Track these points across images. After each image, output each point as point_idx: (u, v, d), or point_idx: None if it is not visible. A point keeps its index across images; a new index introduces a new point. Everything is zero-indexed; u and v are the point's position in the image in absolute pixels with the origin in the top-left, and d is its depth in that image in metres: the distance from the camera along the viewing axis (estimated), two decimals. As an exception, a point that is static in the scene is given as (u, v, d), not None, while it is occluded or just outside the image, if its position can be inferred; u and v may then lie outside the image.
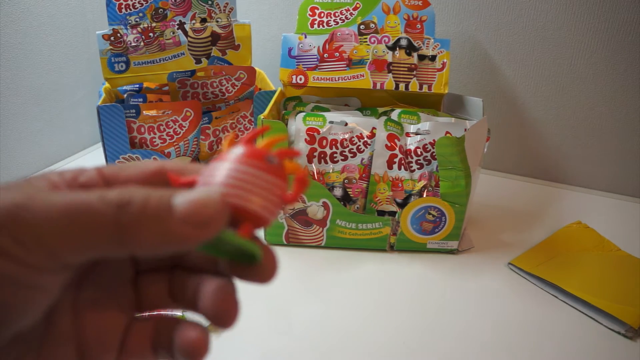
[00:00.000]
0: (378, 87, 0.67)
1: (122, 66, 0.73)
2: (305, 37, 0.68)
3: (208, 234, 0.18)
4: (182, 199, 0.18)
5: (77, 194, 0.17)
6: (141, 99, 0.73)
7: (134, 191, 0.18)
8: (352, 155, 0.63)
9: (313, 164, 0.63)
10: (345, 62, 0.68)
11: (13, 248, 0.16)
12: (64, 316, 0.20)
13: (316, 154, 0.63)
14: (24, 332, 0.18)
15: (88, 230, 0.17)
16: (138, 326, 0.22)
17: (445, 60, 0.67)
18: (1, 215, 0.16)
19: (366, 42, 0.68)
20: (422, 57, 0.68)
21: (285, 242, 0.65)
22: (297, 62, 0.68)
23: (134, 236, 0.17)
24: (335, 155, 0.63)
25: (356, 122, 0.64)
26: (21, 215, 0.16)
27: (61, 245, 0.17)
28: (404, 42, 0.68)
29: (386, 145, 0.63)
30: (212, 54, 0.76)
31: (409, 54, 0.67)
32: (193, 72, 0.71)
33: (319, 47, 0.68)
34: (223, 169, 0.20)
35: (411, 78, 0.67)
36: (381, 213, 0.64)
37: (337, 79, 0.68)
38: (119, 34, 0.71)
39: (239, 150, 0.21)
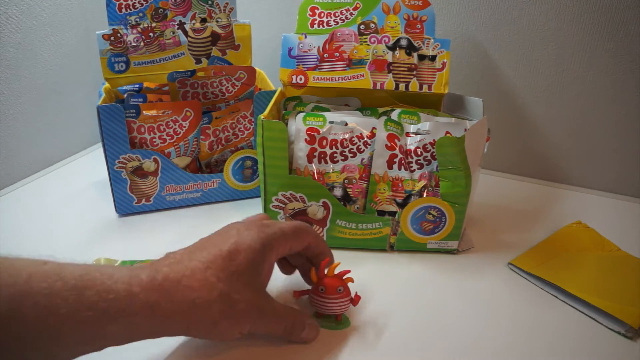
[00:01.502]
0: (378, 87, 0.67)
1: (122, 66, 0.73)
2: (306, 37, 0.68)
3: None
4: (307, 324, 0.49)
5: (283, 310, 0.48)
6: (141, 99, 0.73)
7: (297, 321, 0.48)
8: (352, 155, 0.63)
9: (313, 164, 0.63)
10: (345, 62, 0.68)
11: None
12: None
13: (316, 154, 0.63)
14: None
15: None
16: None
17: (445, 60, 0.67)
18: (249, 316, 0.44)
19: (366, 42, 0.68)
20: (422, 57, 0.68)
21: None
22: (297, 62, 0.68)
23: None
24: (335, 155, 0.63)
25: (356, 122, 0.64)
26: (253, 321, 0.45)
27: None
28: (404, 42, 0.68)
29: (386, 146, 0.63)
30: (212, 54, 0.76)
31: (409, 54, 0.67)
32: (193, 72, 0.71)
33: (319, 47, 0.68)
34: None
35: (411, 78, 0.67)
36: (381, 213, 0.64)
37: (337, 79, 0.68)
38: (119, 34, 0.71)
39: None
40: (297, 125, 0.64)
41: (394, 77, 0.67)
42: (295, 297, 0.53)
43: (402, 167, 0.63)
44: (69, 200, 0.77)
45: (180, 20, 0.74)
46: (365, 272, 0.60)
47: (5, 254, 0.34)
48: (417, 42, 0.68)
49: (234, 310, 0.41)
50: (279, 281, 0.58)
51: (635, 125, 0.79)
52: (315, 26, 0.69)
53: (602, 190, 0.84)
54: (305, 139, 0.63)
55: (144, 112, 0.68)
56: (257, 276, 0.43)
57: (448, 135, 0.63)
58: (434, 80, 0.68)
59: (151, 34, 0.73)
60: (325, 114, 0.65)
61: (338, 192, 0.63)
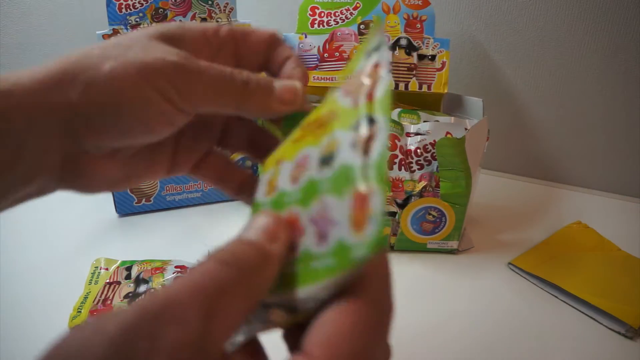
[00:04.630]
0: (378, 87, 0.67)
1: (122, 66, 0.72)
2: (306, 37, 0.68)
3: (289, 109, 0.27)
4: (278, 85, 0.27)
5: (219, 69, 0.25)
6: (141, 99, 0.73)
7: (251, 74, 0.26)
8: (352, 155, 0.63)
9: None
10: (345, 62, 0.68)
11: (173, 95, 0.24)
12: (169, 145, 0.30)
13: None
14: (152, 146, 0.27)
15: (223, 94, 0.25)
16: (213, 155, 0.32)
17: (444, 60, 0.67)
18: (169, 69, 0.24)
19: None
20: (421, 57, 0.68)
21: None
22: (297, 62, 0.68)
23: (247, 104, 0.26)
24: (335, 155, 0.63)
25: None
26: (182, 73, 0.24)
27: (202, 101, 0.25)
28: (403, 42, 0.68)
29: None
30: (212, 54, 0.76)
31: (408, 54, 0.67)
32: (193, 72, 0.71)
33: (319, 46, 0.68)
34: None
35: (411, 78, 0.67)
36: (381, 213, 0.64)
37: (337, 79, 0.68)
38: (119, 34, 0.71)
39: None
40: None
41: (393, 77, 0.67)
42: None
43: (403, 167, 0.63)
44: (69, 200, 0.77)
45: (180, 20, 0.74)
46: (365, 272, 0.60)
47: None
48: (417, 42, 0.68)
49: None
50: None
51: (635, 125, 0.79)
52: (316, 26, 0.69)
53: (602, 190, 0.84)
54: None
55: (144, 112, 0.68)
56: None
57: (448, 135, 0.63)
58: (434, 80, 0.68)
59: (151, 34, 0.73)
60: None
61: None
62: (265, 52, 0.29)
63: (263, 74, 0.30)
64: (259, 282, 0.18)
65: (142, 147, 0.27)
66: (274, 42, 0.30)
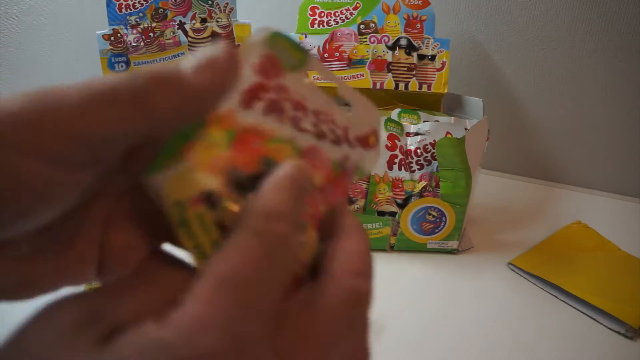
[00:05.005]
0: (378, 86, 0.67)
1: (122, 66, 0.72)
2: (306, 37, 0.68)
3: (225, 80, 0.18)
4: (187, 61, 0.18)
5: (93, 81, 0.16)
6: (141, 99, 0.73)
7: (140, 71, 0.17)
8: (352, 155, 0.63)
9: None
10: (345, 62, 0.68)
11: (33, 138, 0.14)
12: (96, 225, 0.18)
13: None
14: (53, 226, 0.17)
15: (108, 102, 0.16)
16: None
17: (444, 60, 0.67)
18: (24, 108, 0.15)
19: (366, 41, 0.68)
20: (421, 57, 0.68)
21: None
22: (297, 62, 0.68)
23: (152, 100, 0.16)
24: (335, 155, 0.63)
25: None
26: (49, 109, 0.15)
27: (83, 126, 0.15)
28: (403, 42, 0.68)
29: (386, 146, 0.63)
30: (212, 54, 0.76)
31: (408, 54, 0.67)
32: (193, 72, 0.71)
33: (319, 46, 0.68)
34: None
35: (411, 78, 0.67)
36: (381, 214, 0.64)
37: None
38: (119, 34, 0.71)
39: None
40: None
41: (393, 77, 0.67)
42: None
43: (403, 167, 0.63)
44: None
45: (180, 20, 0.74)
46: (365, 272, 0.60)
47: None
48: (417, 42, 0.68)
49: None
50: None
51: (635, 125, 0.79)
52: (316, 26, 0.69)
53: (602, 190, 0.84)
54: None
55: (144, 112, 0.68)
56: None
57: (448, 135, 0.63)
58: (434, 80, 0.68)
59: (151, 34, 0.73)
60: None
61: (338, 192, 0.63)
62: None
63: None
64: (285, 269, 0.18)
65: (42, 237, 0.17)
66: None
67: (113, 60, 0.72)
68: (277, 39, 0.20)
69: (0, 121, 0.14)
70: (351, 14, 0.69)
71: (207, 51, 0.18)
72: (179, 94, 0.17)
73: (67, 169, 0.15)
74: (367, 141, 0.23)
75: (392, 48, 0.67)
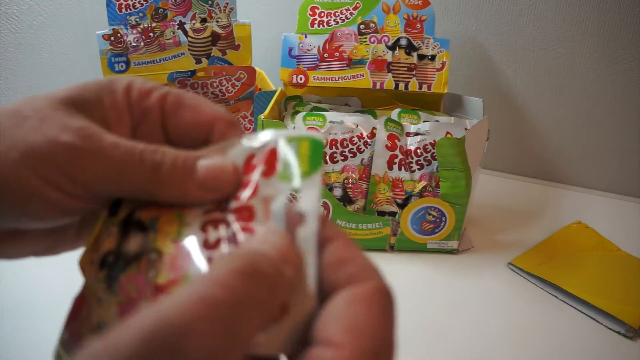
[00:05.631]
0: (378, 86, 0.67)
1: (122, 66, 0.72)
2: (306, 37, 0.68)
3: (215, 196, 0.21)
4: (202, 165, 0.21)
5: (124, 147, 0.20)
6: (141, 99, 0.73)
7: (167, 154, 0.21)
8: (352, 155, 0.63)
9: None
10: (345, 62, 0.68)
11: (63, 182, 0.19)
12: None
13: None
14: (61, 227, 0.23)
15: (128, 179, 0.20)
16: None
17: (444, 60, 0.67)
18: (58, 153, 0.19)
19: (366, 41, 0.68)
20: (421, 57, 0.68)
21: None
22: (297, 61, 0.68)
23: (159, 191, 0.20)
24: (335, 155, 0.63)
25: (356, 122, 0.64)
26: (75, 157, 0.19)
27: (102, 185, 0.20)
28: (403, 42, 0.68)
29: (386, 146, 0.63)
30: (212, 54, 0.76)
31: (408, 54, 0.67)
32: (193, 72, 0.71)
33: (319, 46, 0.68)
34: None
35: (411, 78, 0.67)
36: (381, 214, 0.64)
37: (337, 79, 0.68)
38: (119, 34, 0.71)
39: None
40: (297, 125, 0.64)
41: (393, 77, 0.67)
42: None
43: (403, 167, 0.63)
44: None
45: (180, 20, 0.74)
46: (365, 272, 0.60)
47: None
48: (417, 42, 0.68)
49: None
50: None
51: (635, 125, 0.79)
52: (316, 26, 0.69)
53: (602, 190, 0.84)
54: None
55: (144, 112, 0.68)
56: None
57: (448, 135, 0.63)
58: (434, 80, 0.68)
59: (151, 34, 0.73)
60: (325, 113, 0.65)
61: (338, 192, 0.63)
62: (202, 137, 0.23)
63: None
64: (273, 300, 0.17)
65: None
66: (220, 127, 0.23)
67: (113, 60, 0.72)
68: (314, 146, 0.20)
69: (56, 153, 0.19)
70: (351, 14, 0.69)
71: (219, 165, 0.21)
72: (180, 191, 0.21)
73: (82, 200, 0.21)
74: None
75: (392, 48, 0.67)
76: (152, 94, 0.22)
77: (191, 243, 0.19)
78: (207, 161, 0.21)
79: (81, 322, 0.20)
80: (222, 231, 0.19)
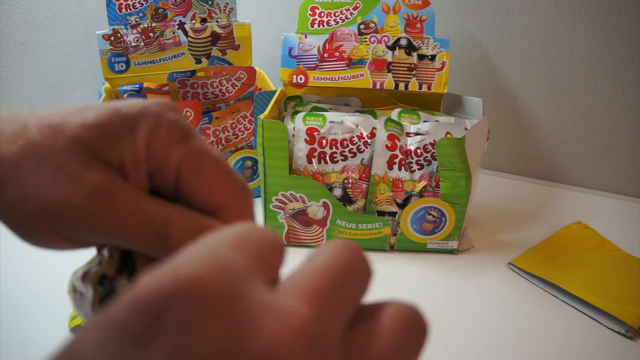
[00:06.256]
0: (378, 86, 0.67)
1: (122, 66, 0.72)
2: (306, 37, 0.68)
3: None
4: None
5: (136, 210, 0.21)
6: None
7: (175, 225, 0.21)
8: (352, 155, 0.63)
9: (313, 164, 0.63)
10: (345, 62, 0.68)
11: (73, 235, 0.21)
12: None
13: (316, 154, 0.63)
14: None
15: (132, 243, 0.21)
16: None
17: (444, 60, 0.67)
18: (69, 212, 0.20)
19: (366, 41, 0.68)
20: (421, 57, 0.68)
21: (285, 242, 0.65)
22: (297, 61, 0.68)
23: (165, 256, 0.20)
24: (335, 155, 0.63)
25: (356, 122, 0.64)
26: (85, 216, 0.20)
27: (110, 239, 0.21)
28: (403, 42, 0.68)
29: (386, 146, 0.63)
30: (212, 54, 0.76)
31: (408, 54, 0.67)
32: (193, 72, 0.71)
33: (319, 46, 0.68)
34: None
35: (411, 78, 0.67)
36: (381, 214, 0.64)
37: (337, 79, 0.68)
38: (119, 34, 0.71)
39: None
40: (297, 125, 0.64)
41: (393, 77, 0.67)
42: None
43: (403, 167, 0.63)
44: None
45: (180, 20, 0.74)
46: (365, 272, 0.60)
47: None
48: (417, 42, 0.68)
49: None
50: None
51: (635, 125, 0.79)
52: (316, 26, 0.69)
53: (602, 190, 0.84)
54: (305, 139, 0.63)
55: (144, 112, 0.68)
56: None
57: (448, 135, 0.63)
58: (434, 80, 0.68)
59: (151, 34, 0.73)
60: (325, 113, 0.65)
61: (338, 192, 0.63)
62: (210, 211, 0.22)
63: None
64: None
65: None
66: (229, 213, 0.22)
67: (113, 60, 0.72)
68: None
69: (69, 213, 0.20)
70: (351, 14, 0.69)
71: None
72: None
73: (93, 246, 0.23)
74: None
75: (392, 48, 0.67)
76: (174, 151, 0.21)
77: None
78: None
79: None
80: None
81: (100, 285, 0.22)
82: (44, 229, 0.21)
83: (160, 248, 0.21)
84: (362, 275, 0.18)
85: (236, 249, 0.16)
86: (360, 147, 0.63)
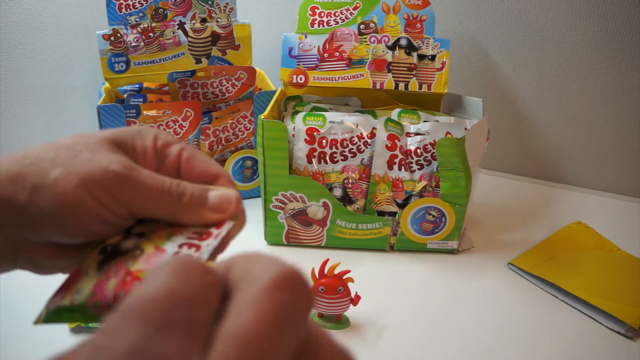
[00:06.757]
0: (378, 86, 0.67)
1: (122, 66, 0.72)
2: (306, 37, 0.68)
3: (224, 217, 0.27)
4: (213, 195, 0.28)
5: (159, 180, 0.26)
6: (141, 99, 0.73)
7: (187, 187, 0.27)
8: (352, 155, 0.63)
9: (313, 164, 0.63)
10: (345, 62, 0.68)
11: (110, 203, 0.25)
12: None
13: (316, 154, 0.63)
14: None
15: (159, 205, 0.26)
16: None
17: (444, 60, 0.67)
18: (109, 178, 0.25)
19: (366, 41, 0.68)
20: (421, 57, 0.68)
21: (285, 242, 0.65)
22: (297, 61, 0.68)
23: (181, 214, 0.27)
24: (335, 155, 0.63)
25: (356, 122, 0.64)
26: (121, 183, 0.25)
27: (139, 208, 0.26)
28: (403, 42, 0.68)
29: (386, 146, 0.63)
30: (212, 54, 0.76)
31: (408, 54, 0.67)
32: (193, 72, 0.71)
33: (319, 46, 0.68)
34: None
35: (411, 78, 0.67)
36: (381, 214, 0.64)
37: (337, 79, 0.68)
38: (119, 34, 0.71)
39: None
40: (297, 125, 0.64)
41: (393, 77, 0.67)
42: None
43: (403, 167, 0.63)
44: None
45: (180, 20, 0.74)
46: (365, 272, 0.60)
47: None
48: (417, 42, 0.68)
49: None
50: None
51: (635, 125, 0.79)
52: (316, 26, 0.69)
53: (602, 190, 0.84)
54: (305, 139, 0.63)
55: (144, 112, 0.68)
56: None
57: (448, 135, 0.63)
58: (434, 80, 0.68)
59: (151, 34, 0.73)
60: (325, 113, 0.65)
61: (338, 192, 0.63)
62: (204, 182, 0.29)
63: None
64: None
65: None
66: (218, 179, 0.29)
67: (113, 60, 0.72)
68: None
69: (107, 179, 0.25)
70: (351, 14, 0.69)
71: (226, 194, 0.28)
72: (198, 215, 0.27)
73: (121, 219, 0.26)
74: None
75: (392, 48, 0.67)
76: (173, 145, 0.29)
77: (166, 251, 0.25)
78: (216, 192, 0.28)
79: (68, 289, 0.26)
80: (192, 252, 0.25)
81: (100, 254, 0.26)
82: (86, 199, 0.25)
83: (178, 206, 0.26)
84: (299, 315, 0.17)
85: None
86: (360, 147, 0.63)
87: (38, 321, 0.26)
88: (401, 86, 0.67)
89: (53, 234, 0.26)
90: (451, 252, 0.65)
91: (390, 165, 0.63)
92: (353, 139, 0.63)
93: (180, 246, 0.25)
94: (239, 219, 0.28)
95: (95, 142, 0.27)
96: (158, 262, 0.24)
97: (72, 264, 0.28)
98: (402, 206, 0.63)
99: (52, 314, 0.26)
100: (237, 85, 0.74)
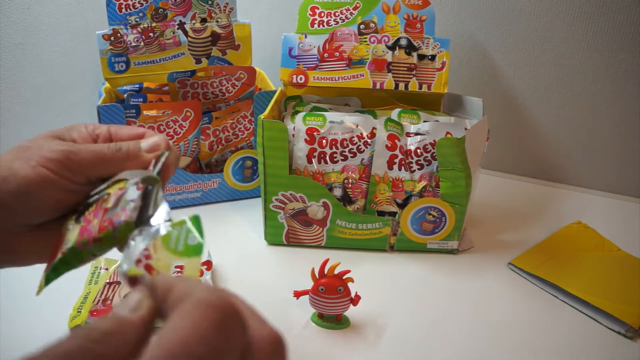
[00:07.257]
0: (378, 86, 0.67)
1: (122, 66, 0.72)
2: (306, 37, 0.68)
3: (157, 155, 0.35)
4: (144, 144, 0.36)
5: (97, 146, 0.35)
6: (141, 99, 0.73)
7: (122, 143, 0.35)
8: (352, 155, 0.63)
9: (313, 164, 0.63)
10: (345, 62, 0.68)
11: (65, 172, 0.32)
12: None
13: (316, 154, 0.63)
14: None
15: (104, 162, 0.34)
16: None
17: (444, 60, 0.67)
18: (58, 154, 0.32)
19: (366, 41, 0.68)
20: (421, 57, 0.68)
21: (285, 242, 0.65)
22: (297, 61, 0.68)
23: (125, 163, 0.35)
24: (335, 155, 0.63)
25: (356, 122, 0.64)
26: (68, 155, 0.33)
27: (90, 170, 0.34)
28: (403, 42, 0.68)
29: (387, 146, 0.63)
30: (212, 54, 0.76)
31: (408, 54, 0.67)
32: (193, 72, 0.71)
33: (319, 46, 0.68)
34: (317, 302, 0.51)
35: (411, 78, 0.67)
36: (381, 214, 0.64)
37: (337, 79, 0.68)
38: (119, 34, 0.71)
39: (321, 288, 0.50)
40: (297, 125, 0.64)
41: (393, 77, 0.67)
42: (296, 297, 0.53)
43: (403, 167, 0.63)
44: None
45: (180, 20, 0.73)
46: (365, 272, 0.60)
47: None
48: (417, 42, 0.68)
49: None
50: (279, 281, 0.58)
51: (635, 125, 0.79)
52: (316, 26, 0.69)
53: (602, 190, 0.84)
54: (305, 139, 0.63)
55: (144, 112, 0.68)
56: None
57: (448, 135, 0.63)
58: (434, 80, 0.68)
59: (151, 34, 0.73)
60: (325, 113, 0.65)
61: (338, 192, 0.63)
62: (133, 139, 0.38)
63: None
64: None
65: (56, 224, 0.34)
66: (144, 135, 0.37)
67: (113, 60, 0.72)
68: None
69: (60, 156, 0.33)
70: (351, 14, 0.69)
71: (153, 139, 0.37)
72: (138, 159, 0.35)
73: (80, 184, 0.34)
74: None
75: (392, 48, 0.67)
76: (102, 126, 0.37)
77: (127, 188, 0.31)
78: (146, 141, 0.36)
79: (56, 252, 0.31)
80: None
81: (74, 213, 0.33)
82: (46, 174, 0.31)
83: (119, 157, 0.34)
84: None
85: None
86: (360, 147, 0.63)
87: (40, 288, 0.30)
88: (401, 86, 0.67)
89: (30, 215, 0.33)
90: (451, 252, 0.65)
91: (390, 165, 0.63)
92: (353, 139, 0.63)
93: (137, 187, 0.31)
94: (172, 150, 0.36)
95: (40, 138, 0.34)
96: (122, 198, 0.30)
97: (45, 252, 0.33)
98: (402, 206, 0.63)
99: (51, 274, 0.31)
100: (237, 85, 0.74)
